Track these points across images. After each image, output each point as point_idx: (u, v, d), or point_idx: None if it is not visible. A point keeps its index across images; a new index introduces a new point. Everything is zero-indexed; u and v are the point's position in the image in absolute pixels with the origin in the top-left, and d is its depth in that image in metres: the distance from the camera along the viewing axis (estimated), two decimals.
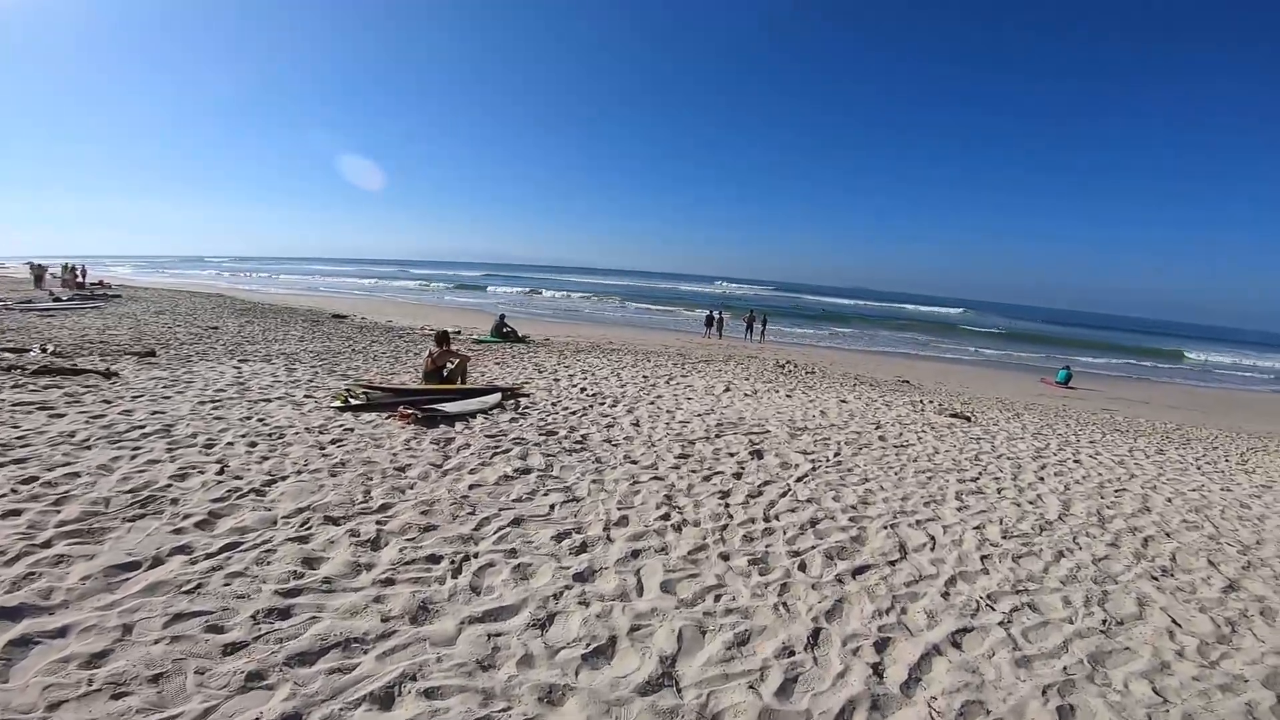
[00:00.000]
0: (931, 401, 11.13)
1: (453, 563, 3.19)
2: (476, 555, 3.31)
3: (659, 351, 15.76)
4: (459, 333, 15.89)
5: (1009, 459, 6.82)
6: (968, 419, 9.27)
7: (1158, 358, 34.51)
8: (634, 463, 5.30)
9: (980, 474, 6.02)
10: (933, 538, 4.17)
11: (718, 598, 3.12)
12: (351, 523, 3.56)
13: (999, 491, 5.49)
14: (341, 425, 5.62)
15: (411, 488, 4.22)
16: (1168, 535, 4.77)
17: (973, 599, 3.35)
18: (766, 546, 3.80)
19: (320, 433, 5.32)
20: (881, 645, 2.83)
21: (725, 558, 3.59)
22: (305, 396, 6.74)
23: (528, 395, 7.96)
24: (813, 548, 3.83)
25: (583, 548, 3.54)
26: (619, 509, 4.16)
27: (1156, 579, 3.91)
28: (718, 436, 6.52)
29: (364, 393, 6.68)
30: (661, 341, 20.06)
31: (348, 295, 36.75)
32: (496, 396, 7.31)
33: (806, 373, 13.92)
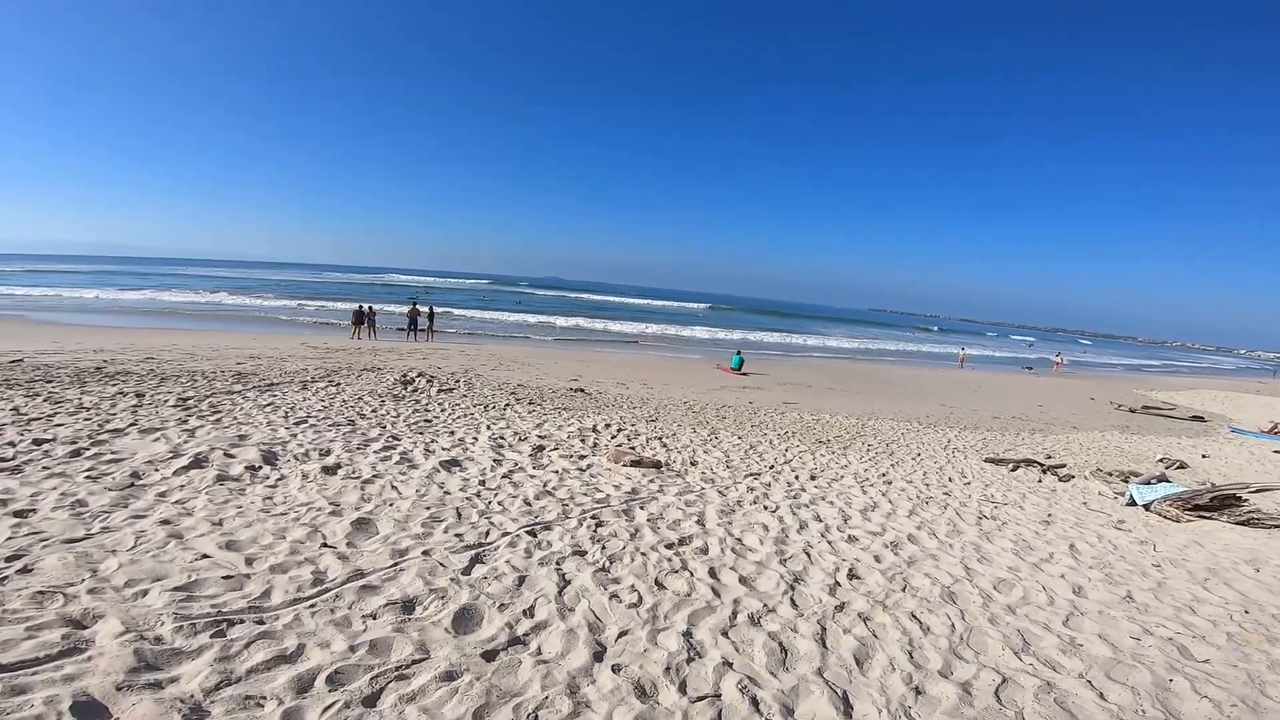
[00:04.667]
0: (608, 425, 7.53)
1: None
2: None
3: (244, 370, 9.05)
4: None
5: (747, 587, 3.11)
6: (657, 466, 5.66)
7: (795, 336, 39.68)
8: None
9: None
10: None
11: None
12: None
13: None
14: None
15: None
16: None
17: None
18: None
19: None
20: None
21: None
22: None
23: None
24: None
25: None
26: None
27: None
28: None
29: None
30: (275, 348, 13.11)
31: None
32: None
33: (441, 389, 9.12)
